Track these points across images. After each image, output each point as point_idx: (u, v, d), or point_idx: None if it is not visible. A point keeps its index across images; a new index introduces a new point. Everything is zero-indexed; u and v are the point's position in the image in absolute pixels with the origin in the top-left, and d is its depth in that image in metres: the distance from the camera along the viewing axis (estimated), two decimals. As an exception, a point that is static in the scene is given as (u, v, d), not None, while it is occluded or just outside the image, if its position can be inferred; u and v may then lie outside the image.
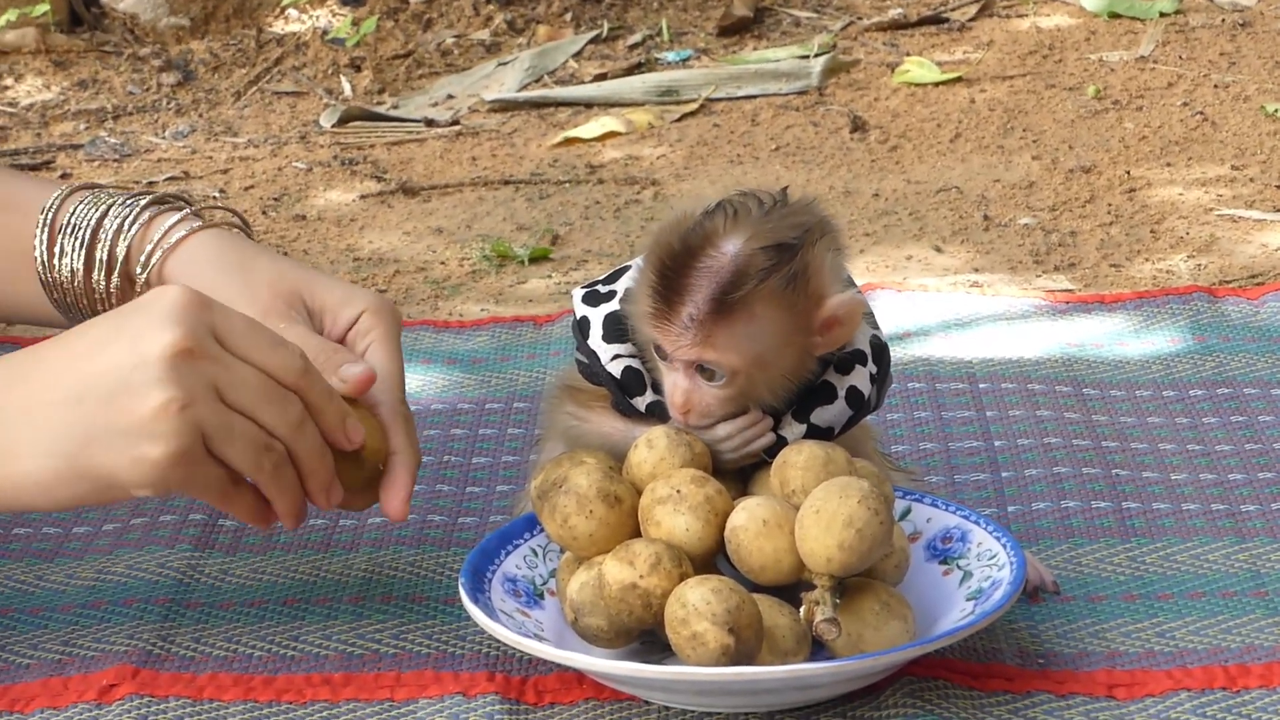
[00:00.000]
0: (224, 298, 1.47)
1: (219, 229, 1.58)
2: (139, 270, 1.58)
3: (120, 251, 1.57)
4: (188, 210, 1.60)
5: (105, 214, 1.59)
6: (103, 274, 1.58)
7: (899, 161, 2.87)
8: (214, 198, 2.84)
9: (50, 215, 1.60)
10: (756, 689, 1.37)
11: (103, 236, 1.58)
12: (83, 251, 1.58)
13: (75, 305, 1.61)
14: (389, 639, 1.53)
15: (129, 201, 1.60)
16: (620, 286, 1.52)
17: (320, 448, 1.42)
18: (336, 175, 2.92)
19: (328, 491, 1.44)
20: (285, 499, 1.43)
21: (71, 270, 1.59)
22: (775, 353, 1.45)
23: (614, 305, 1.51)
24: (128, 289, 1.58)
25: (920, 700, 1.40)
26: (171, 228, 1.57)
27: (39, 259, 1.60)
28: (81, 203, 1.60)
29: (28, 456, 1.38)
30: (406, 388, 1.99)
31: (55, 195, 1.61)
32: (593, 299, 1.53)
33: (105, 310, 1.55)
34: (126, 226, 1.58)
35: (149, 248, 1.56)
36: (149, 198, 1.60)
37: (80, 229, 1.59)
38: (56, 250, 1.59)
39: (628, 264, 1.53)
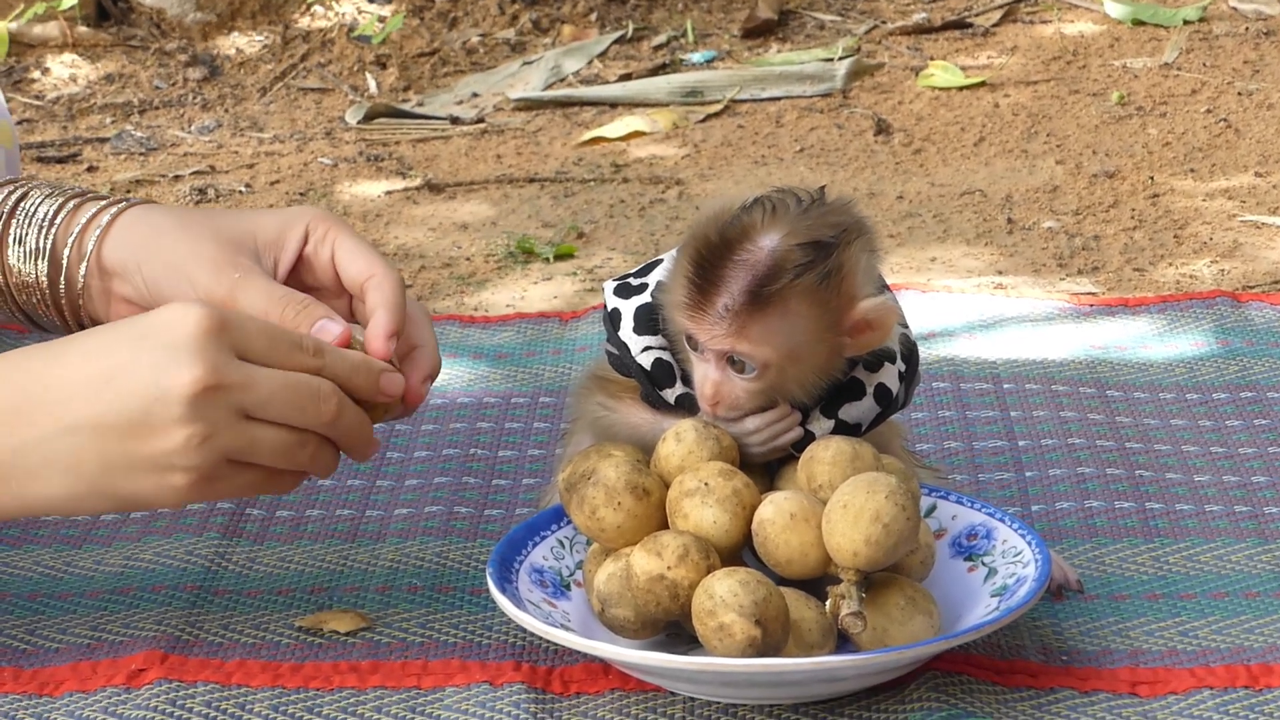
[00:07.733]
0: (171, 262, 1.47)
1: (143, 205, 1.54)
2: (68, 253, 1.52)
3: (45, 238, 1.52)
4: (110, 198, 1.55)
5: (24, 197, 1.54)
6: (31, 261, 1.53)
7: (923, 164, 2.87)
8: (240, 192, 2.85)
9: None
10: (782, 681, 1.38)
11: (23, 220, 1.53)
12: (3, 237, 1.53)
13: (9, 296, 1.56)
14: (416, 628, 1.54)
15: (52, 193, 1.55)
16: (652, 279, 1.52)
17: (358, 423, 1.43)
18: (362, 171, 2.93)
19: (367, 449, 1.45)
20: (322, 471, 1.44)
21: None
22: (806, 348, 1.45)
23: (646, 298, 1.52)
24: (55, 277, 1.53)
25: (944, 695, 1.41)
26: (100, 211, 1.52)
27: None
28: (5, 193, 1.55)
29: (46, 479, 1.38)
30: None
31: None
32: (624, 291, 1.54)
33: (38, 300, 1.53)
34: (51, 213, 1.53)
35: (76, 230, 1.52)
36: (70, 190, 1.55)
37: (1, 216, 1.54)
38: None
39: (659, 258, 1.54)
